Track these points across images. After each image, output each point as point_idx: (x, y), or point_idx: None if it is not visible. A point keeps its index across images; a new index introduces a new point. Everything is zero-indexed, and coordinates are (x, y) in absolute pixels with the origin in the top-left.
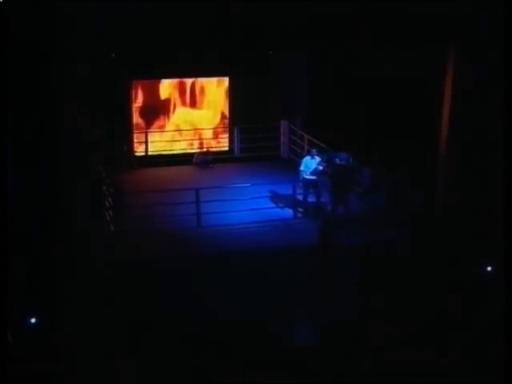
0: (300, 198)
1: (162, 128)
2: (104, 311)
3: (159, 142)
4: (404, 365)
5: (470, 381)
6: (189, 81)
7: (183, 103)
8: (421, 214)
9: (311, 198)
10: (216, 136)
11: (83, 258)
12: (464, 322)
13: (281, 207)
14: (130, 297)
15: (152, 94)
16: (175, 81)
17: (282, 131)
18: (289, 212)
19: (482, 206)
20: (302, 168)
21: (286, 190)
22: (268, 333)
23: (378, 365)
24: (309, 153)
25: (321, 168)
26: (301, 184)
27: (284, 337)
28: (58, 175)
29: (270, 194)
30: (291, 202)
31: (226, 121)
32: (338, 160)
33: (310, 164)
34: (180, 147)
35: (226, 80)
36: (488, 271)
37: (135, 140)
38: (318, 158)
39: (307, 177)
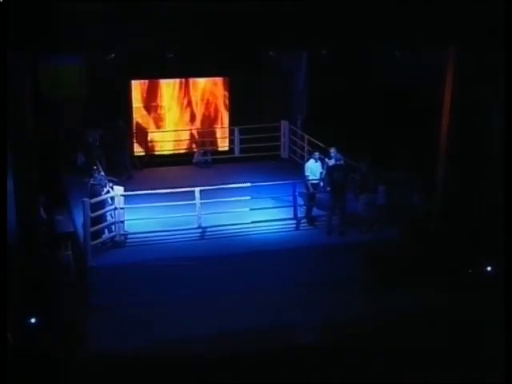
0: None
1: (161, 128)
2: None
3: (159, 142)
4: (404, 364)
5: (470, 381)
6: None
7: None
8: (420, 213)
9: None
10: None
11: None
12: (464, 322)
13: (281, 207)
14: (129, 296)
15: (151, 93)
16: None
17: (282, 131)
18: (289, 212)
19: (482, 206)
20: (307, 173)
21: (286, 190)
22: (269, 333)
23: (378, 364)
24: (311, 156)
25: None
26: (310, 190)
27: (286, 336)
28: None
29: (270, 195)
30: (291, 202)
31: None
32: (330, 161)
33: (315, 168)
34: (180, 147)
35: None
36: (488, 271)
37: (135, 140)
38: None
39: (313, 182)
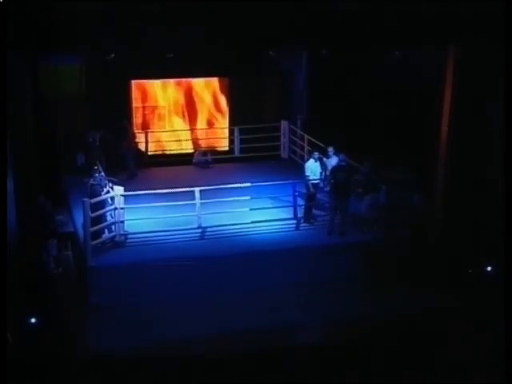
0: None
1: (161, 128)
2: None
3: (159, 141)
4: (404, 364)
5: (470, 381)
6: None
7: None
8: (420, 213)
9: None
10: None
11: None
12: (464, 322)
13: (281, 207)
14: (130, 295)
15: (151, 93)
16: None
17: (282, 131)
18: (289, 212)
19: (482, 206)
20: (307, 173)
21: (286, 190)
22: (269, 333)
23: (378, 364)
24: (311, 156)
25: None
26: (311, 190)
27: (286, 336)
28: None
29: (270, 195)
30: (291, 202)
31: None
32: (328, 160)
33: (315, 168)
34: (180, 147)
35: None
36: (488, 271)
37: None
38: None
39: (313, 182)
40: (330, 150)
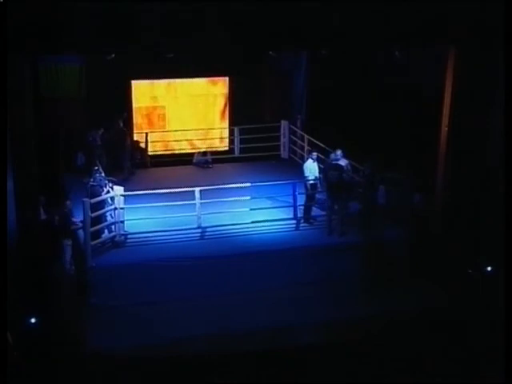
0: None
1: (161, 128)
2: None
3: (159, 142)
4: (404, 364)
5: (470, 381)
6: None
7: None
8: (420, 213)
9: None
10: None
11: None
12: (463, 322)
13: (281, 207)
14: (131, 295)
15: (151, 93)
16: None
17: (282, 131)
18: (289, 212)
19: (482, 205)
20: (306, 174)
21: (286, 190)
22: (269, 333)
23: (379, 364)
24: (309, 156)
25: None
26: (310, 190)
27: (286, 336)
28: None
29: (270, 195)
30: (291, 202)
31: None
32: (329, 160)
33: (314, 168)
34: (180, 147)
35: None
36: (488, 271)
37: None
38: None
39: (312, 182)
40: (338, 152)
